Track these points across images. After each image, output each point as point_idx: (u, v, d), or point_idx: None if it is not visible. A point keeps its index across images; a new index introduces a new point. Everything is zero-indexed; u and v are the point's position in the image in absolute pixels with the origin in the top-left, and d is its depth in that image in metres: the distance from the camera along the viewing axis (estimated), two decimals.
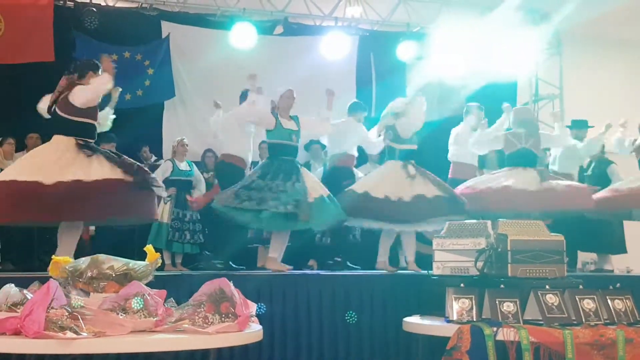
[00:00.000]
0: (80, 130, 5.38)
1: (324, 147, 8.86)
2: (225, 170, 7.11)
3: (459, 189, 6.84)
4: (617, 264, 8.28)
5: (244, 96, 7.04)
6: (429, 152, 7.58)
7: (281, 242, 6.23)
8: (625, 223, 8.09)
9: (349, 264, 7.46)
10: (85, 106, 5.34)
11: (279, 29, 9.92)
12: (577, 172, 8.02)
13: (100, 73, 5.45)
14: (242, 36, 9.40)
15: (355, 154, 7.41)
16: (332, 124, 6.90)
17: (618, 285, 4.16)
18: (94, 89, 5.35)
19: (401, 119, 6.70)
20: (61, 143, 5.33)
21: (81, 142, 5.32)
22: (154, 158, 8.81)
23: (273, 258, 6.13)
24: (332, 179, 7.20)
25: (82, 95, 5.32)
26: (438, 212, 6.25)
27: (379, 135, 6.98)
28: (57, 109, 5.37)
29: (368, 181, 6.65)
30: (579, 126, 8.10)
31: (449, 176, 7.70)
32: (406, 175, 6.47)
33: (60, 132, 5.38)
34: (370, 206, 6.28)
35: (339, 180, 7.01)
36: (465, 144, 7.54)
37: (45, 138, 8.17)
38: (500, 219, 4.45)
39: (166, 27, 9.54)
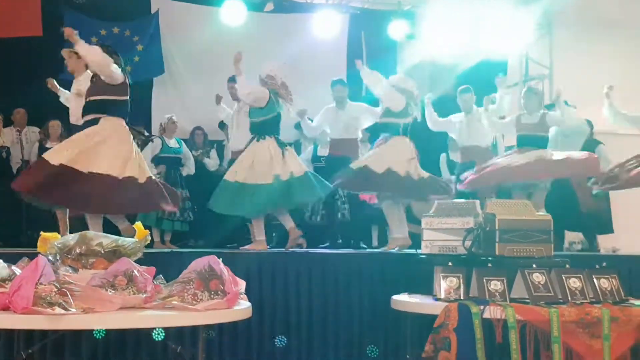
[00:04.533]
0: None
1: None
2: None
3: (469, 176, 6.97)
4: (604, 244, 8.35)
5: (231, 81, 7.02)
6: (421, 131, 7.60)
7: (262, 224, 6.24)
8: (612, 203, 8.16)
9: (361, 244, 7.52)
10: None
11: (270, 6, 9.83)
12: None
13: None
14: (233, 13, 9.32)
15: (355, 136, 7.39)
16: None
17: (604, 264, 4.20)
18: None
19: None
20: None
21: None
22: (146, 133, 8.74)
23: (261, 240, 6.14)
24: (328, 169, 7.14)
25: None
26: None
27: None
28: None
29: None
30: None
31: (460, 162, 7.76)
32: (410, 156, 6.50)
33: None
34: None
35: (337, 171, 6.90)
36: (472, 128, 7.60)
37: (32, 115, 8.21)
38: (488, 199, 4.48)
39: (155, 3, 9.45)
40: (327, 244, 7.56)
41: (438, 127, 7.81)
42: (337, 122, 7.35)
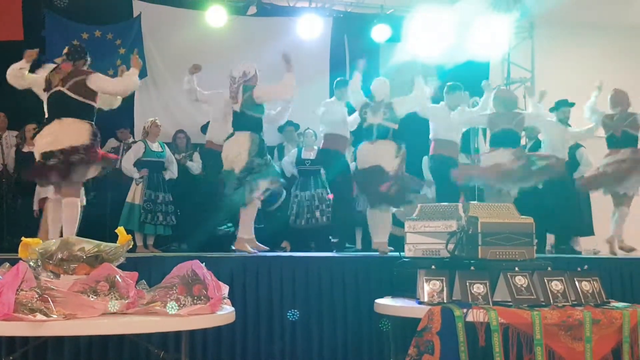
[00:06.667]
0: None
1: (297, 127, 8.86)
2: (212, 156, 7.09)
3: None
4: (585, 246, 8.41)
5: None
6: (403, 132, 7.62)
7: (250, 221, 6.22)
8: (593, 205, 8.23)
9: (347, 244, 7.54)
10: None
11: (252, 10, 9.83)
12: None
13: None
14: (215, 16, 9.31)
15: (347, 134, 7.43)
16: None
17: (585, 267, 4.22)
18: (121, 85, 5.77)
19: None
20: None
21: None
22: (131, 139, 8.73)
23: (244, 239, 6.12)
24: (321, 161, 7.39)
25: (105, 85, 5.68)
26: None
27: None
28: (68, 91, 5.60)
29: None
30: (563, 105, 8.13)
31: (431, 153, 7.75)
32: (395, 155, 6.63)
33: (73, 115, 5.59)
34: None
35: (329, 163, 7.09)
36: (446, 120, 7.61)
37: (12, 119, 8.13)
38: (471, 202, 4.51)
39: (137, 7, 9.42)
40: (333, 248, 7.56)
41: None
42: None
